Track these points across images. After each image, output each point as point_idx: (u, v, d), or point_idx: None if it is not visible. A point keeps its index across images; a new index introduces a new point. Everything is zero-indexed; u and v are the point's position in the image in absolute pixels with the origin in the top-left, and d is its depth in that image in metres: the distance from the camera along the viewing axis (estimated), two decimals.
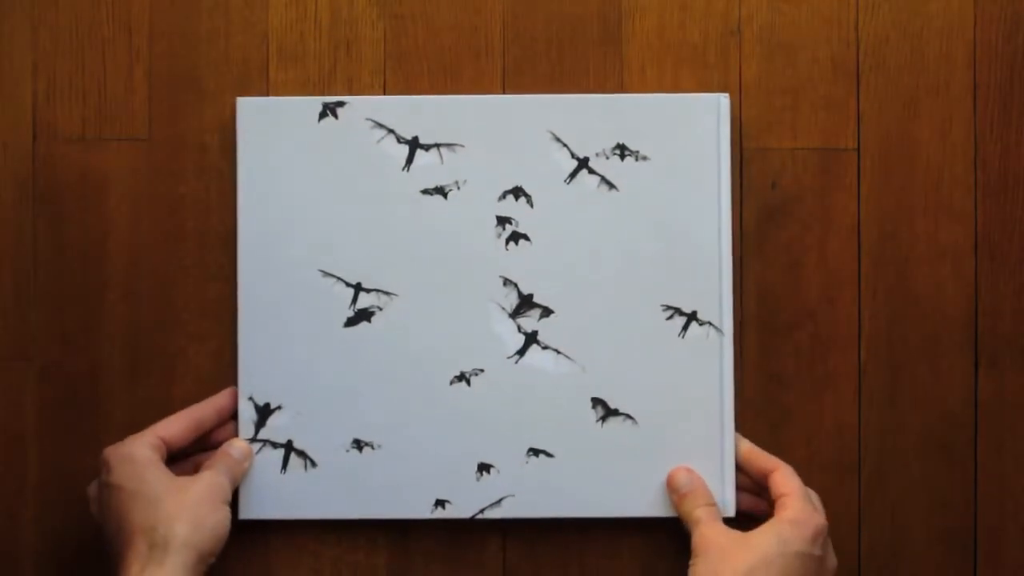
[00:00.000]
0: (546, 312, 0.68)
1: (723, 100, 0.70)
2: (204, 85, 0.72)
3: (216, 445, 0.69)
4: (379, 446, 0.68)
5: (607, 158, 0.69)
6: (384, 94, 0.72)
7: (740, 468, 0.70)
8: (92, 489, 0.67)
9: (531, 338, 0.68)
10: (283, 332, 0.69)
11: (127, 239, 0.72)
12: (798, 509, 0.65)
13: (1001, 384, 0.72)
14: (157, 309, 0.72)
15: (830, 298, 0.72)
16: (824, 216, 0.72)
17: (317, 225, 0.69)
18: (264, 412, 0.69)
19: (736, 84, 0.73)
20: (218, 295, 0.72)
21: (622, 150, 0.68)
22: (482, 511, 0.68)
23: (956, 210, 0.73)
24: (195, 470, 0.68)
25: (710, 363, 0.68)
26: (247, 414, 0.69)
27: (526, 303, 0.68)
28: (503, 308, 0.68)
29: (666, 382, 0.68)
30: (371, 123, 0.68)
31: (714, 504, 0.68)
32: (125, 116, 0.72)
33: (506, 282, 0.68)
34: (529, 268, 0.68)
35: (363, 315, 0.68)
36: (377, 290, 0.68)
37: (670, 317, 0.68)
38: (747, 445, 0.70)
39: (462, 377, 0.68)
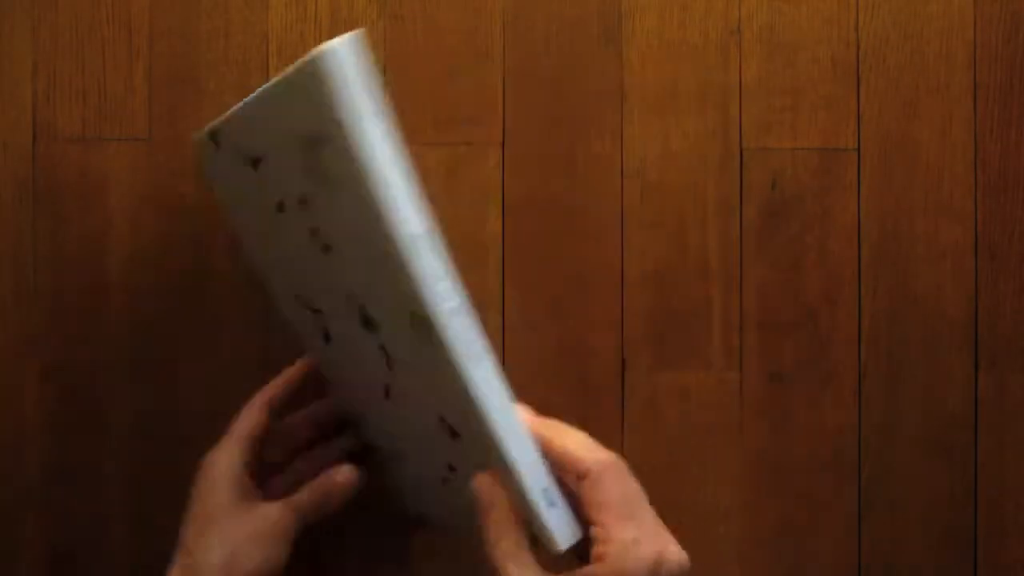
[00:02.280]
0: None
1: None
2: (204, 85, 0.72)
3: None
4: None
5: None
6: (384, 94, 0.72)
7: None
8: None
9: None
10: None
11: (127, 239, 0.72)
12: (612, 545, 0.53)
13: (1001, 384, 0.72)
14: (157, 309, 0.72)
15: (830, 298, 0.72)
16: (824, 216, 0.73)
17: None
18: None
19: (736, 84, 0.73)
20: (218, 295, 0.72)
21: None
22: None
23: (956, 210, 0.73)
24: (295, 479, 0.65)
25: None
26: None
27: None
28: None
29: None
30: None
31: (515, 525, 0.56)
32: (125, 116, 0.72)
33: None
34: None
35: None
36: None
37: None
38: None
39: None
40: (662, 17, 0.73)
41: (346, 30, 0.72)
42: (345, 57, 0.54)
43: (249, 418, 0.64)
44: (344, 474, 0.64)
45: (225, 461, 0.62)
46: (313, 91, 0.55)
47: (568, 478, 0.56)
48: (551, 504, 0.56)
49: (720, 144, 0.73)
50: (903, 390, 0.72)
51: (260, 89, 0.60)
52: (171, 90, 0.73)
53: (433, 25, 0.73)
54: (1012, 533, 0.72)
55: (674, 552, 0.54)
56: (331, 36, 0.72)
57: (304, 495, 0.63)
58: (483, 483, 0.57)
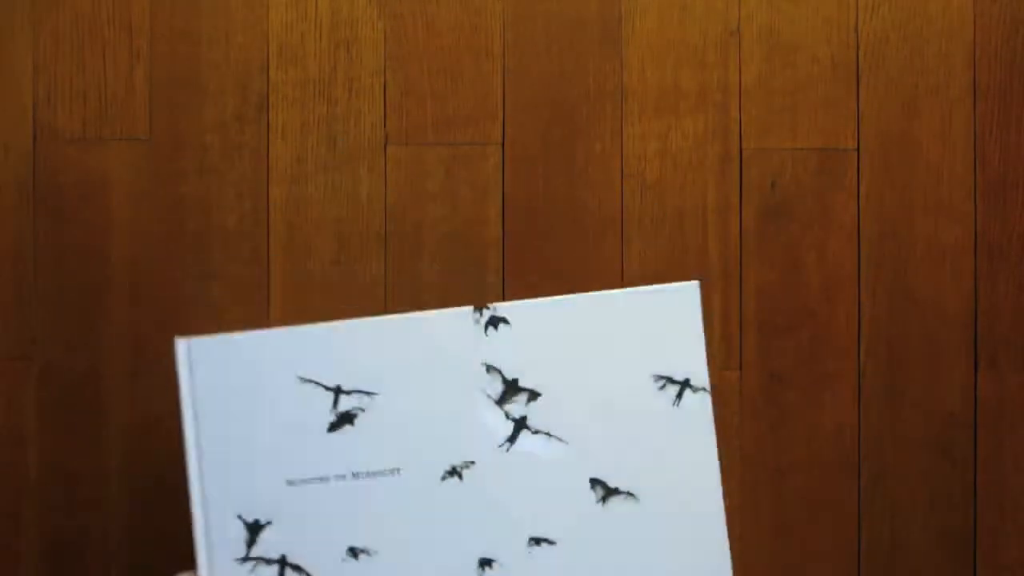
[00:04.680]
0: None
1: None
2: (204, 85, 0.73)
3: None
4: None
5: None
6: (384, 95, 0.72)
7: None
8: None
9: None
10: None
11: (127, 239, 0.72)
12: None
13: (1001, 384, 0.72)
14: (157, 309, 0.72)
15: (830, 298, 0.72)
16: (824, 216, 0.73)
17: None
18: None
19: (736, 84, 0.73)
20: (218, 295, 0.72)
21: None
22: None
23: (956, 210, 0.73)
24: None
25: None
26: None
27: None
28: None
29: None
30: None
31: None
32: (125, 116, 0.73)
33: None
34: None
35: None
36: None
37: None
38: None
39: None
40: (662, 17, 0.73)
41: (346, 30, 0.73)
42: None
43: None
44: None
45: None
46: None
47: None
48: None
49: (720, 144, 0.73)
50: (903, 390, 0.72)
51: None
52: (171, 90, 0.73)
53: (433, 25, 0.73)
54: (1012, 533, 0.72)
55: None
56: (331, 36, 0.73)
57: None
58: None
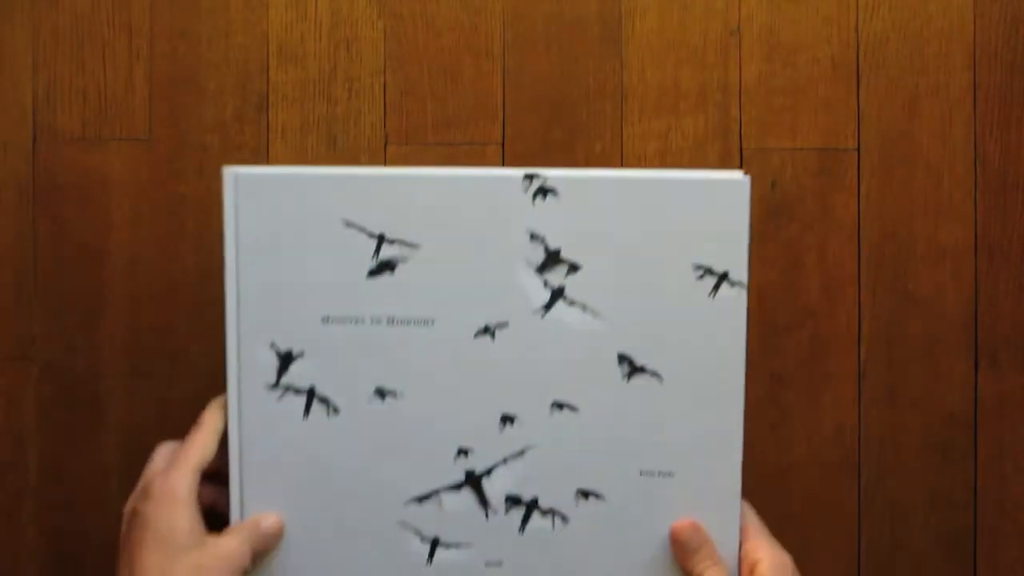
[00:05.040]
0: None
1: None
2: (204, 85, 0.73)
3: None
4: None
5: None
6: (384, 95, 0.72)
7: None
8: (127, 508, 0.64)
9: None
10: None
11: (127, 239, 0.72)
12: None
13: (1001, 384, 0.72)
14: (157, 309, 0.72)
15: (830, 298, 0.72)
16: (824, 216, 0.73)
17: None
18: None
19: (736, 84, 0.73)
20: (218, 295, 0.72)
21: None
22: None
23: (956, 210, 0.73)
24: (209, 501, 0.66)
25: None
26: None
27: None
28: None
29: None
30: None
31: (720, 563, 0.66)
32: (125, 116, 0.73)
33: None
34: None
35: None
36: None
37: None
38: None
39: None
40: (662, 17, 0.73)
41: (346, 30, 0.73)
42: None
43: (204, 446, 0.64)
44: (270, 522, 0.66)
45: (184, 488, 0.62)
46: None
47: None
48: None
49: (720, 144, 0.73)
50: (903, 390, 0.72)
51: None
52: (171, 90, 0.73)
53: (433, 25, 0.73)
54: (1012, 533, 0.72)
55: None
56: (331, 36, 0.73)
57: (247, 531, 0.64)
58: (685, 527, 0.65)
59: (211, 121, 0.72)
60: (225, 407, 0.66)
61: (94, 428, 0.72)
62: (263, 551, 0.66)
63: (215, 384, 0.71)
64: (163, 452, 0.65)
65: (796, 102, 0.73)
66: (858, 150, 0.73)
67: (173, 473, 0.63)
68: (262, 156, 0.72)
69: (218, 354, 0.72)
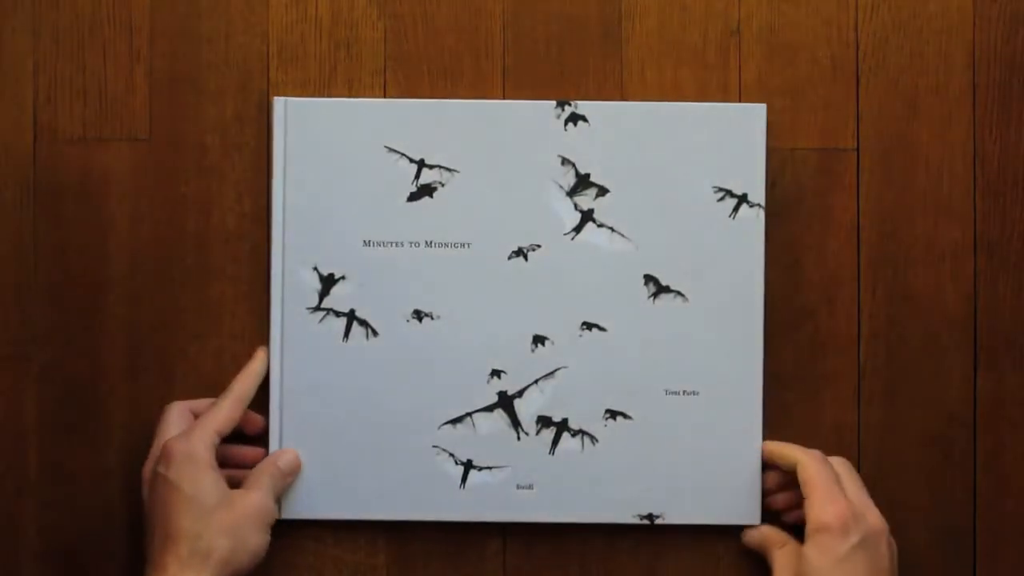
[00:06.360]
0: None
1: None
2: (204, 85, 0.72)
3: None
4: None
5: None
6: (384, 95, 0.72)
7: (767, 465, 0.70)
8: (147, 472, 0.67)
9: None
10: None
11: (127, 239, 0.72)
12: (817, 509, 0.65)
13: (1001, 384, 0.72)
14: (157, 309, 0.72)
15: (830, 298, 0.72)
16: (824, 216, 0.73)
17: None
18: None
19: (736, 84, 0.73)
20: (218, 295, 0.72)
21: None
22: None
23: (956, 210, 0.73)
24: (230, 463, 0.69)
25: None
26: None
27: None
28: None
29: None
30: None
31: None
32: (125, 116, 0.73)
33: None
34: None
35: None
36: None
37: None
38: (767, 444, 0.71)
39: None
40: (662, 18, 0.73)
41: (346, 30, 0.73)
42: None
43: (226, 411, 0.67)
44: (288, 458, 0.69)
45: (204, 450, 0.65)
46: None
47: (780, 464, 0.69)
48: None
49: None
50: (903, 390, 0.72)
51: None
52: (171, 90, 0.73)
53: (433, 25, 0.73)
54: (1012, 533, 0.72)
55: (873, 516, 0.66)
56: (331, 37, 0.73)
57: (267, 479, 0.67)
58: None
59: (211, 121, 0.72)
60: (264, 364, 0.69)
61: (94, 428, 0.72)
62: (285, 490, 0.69)
63: (214, 384, 0.71)
64: (174, 414, 0.68)
65: (796, 102, 0.73)
66: (857, 150, 0.73)
67: (194, 437, 0.65)
68: (262, 156, 0.72)
69: (217, 354, 0.72)
